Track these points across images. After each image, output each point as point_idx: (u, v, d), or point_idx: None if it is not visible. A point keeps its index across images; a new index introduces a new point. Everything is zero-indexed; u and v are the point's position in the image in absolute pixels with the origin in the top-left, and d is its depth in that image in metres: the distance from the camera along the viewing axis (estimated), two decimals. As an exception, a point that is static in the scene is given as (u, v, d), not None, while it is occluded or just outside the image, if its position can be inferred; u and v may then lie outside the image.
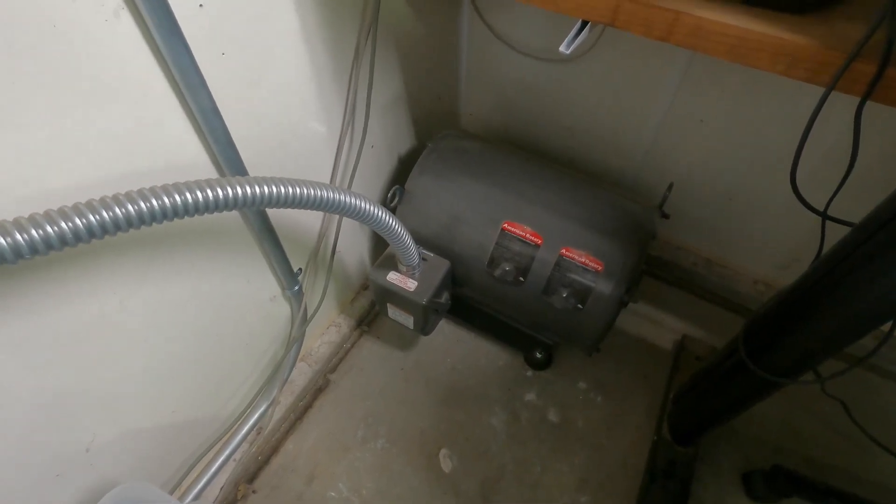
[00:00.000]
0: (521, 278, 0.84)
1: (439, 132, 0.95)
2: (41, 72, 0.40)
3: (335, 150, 0.80)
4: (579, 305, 0.81)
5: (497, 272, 0.85)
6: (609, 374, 1.04)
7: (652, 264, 1.17)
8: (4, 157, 0.41)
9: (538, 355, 1.02)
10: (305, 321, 0.91)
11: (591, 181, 0.90)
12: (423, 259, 0.87)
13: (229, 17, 0.53)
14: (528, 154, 0.95)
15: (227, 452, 0.86)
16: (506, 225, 0.84)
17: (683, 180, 0.98)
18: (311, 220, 0.82)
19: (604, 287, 0.79)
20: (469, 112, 1.16)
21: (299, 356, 0.97)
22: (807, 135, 0.52)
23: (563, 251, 0.80)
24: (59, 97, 0.42)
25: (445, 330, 1.10)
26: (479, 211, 0.86)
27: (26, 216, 0.35)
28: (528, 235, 0.82)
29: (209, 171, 0.59)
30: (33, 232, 0.35)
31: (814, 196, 0.54)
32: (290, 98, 0.67)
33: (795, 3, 0.52)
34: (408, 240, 0.76)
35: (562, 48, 0.57)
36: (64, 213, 0.36)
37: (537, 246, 0.82)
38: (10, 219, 0.34)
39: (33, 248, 0.35)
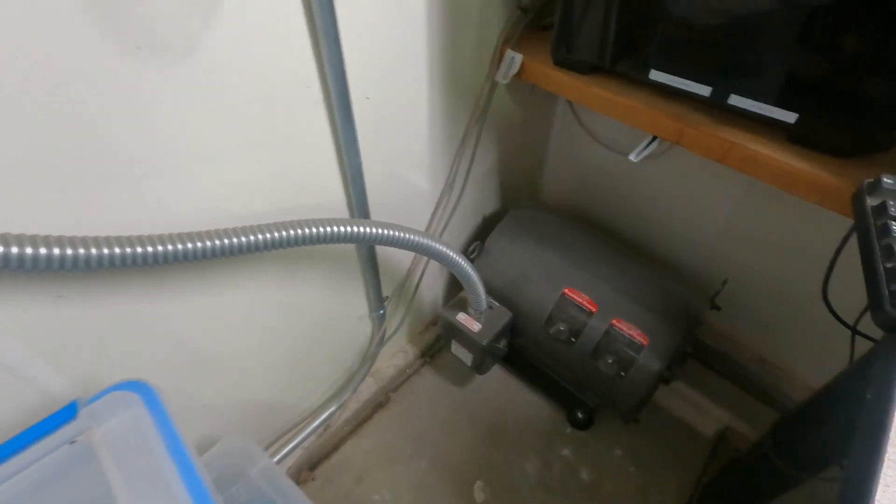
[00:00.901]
0: (573, 339, 0.95)
1: (521, 201, 1.11)
2: (273, 131, 0.61)
3: (434, 205, 0.97)
4: (622, 373, 0.90)
5: (552, 330, 0.96)
6: (645, 446, 1.09)
7: (705, 353, 1.21)
8: (235, 183, 0.61)
9: (579, 415, 1.10)
10: (381, 342, 1.07)
11: (650, 263, 1.00)
12: (490, 307, 1.01)
13: (384, 104, 0.73)
14: (596, 231, 1.08)
15: (298, 438, 1.01)
16: (566, 290, 0.96)
17: (740, 278, 1.05)
18: (405, 257, 0.99)
19: (646, 360, 0.88)
20: (550, 186, 1.31)
21: (370, 372, 1.13)
22: (835, 259, 0.62)
23: (614, 322, 0.91)
24: (274, 151, 0.63)
25: (498, 374, 1.21)
26: (545, 274, 0.99)
27: (231, 228, 0.54)
28: (584, 302, 0.94)
29: (343, 212, 0.78)
30: (234, 240, 0.53)
31: (850, 309, 0.61)
32: (411, 162, 0.86)
33: (834, 148, 0.63)
34: (480, 288, 0.90)
35: (631, 157, 0.72)
36: (252, 230, 0.55)
37: (591, 313, 0.93)
38: (219, 228, 0.53)
39: (237, 249, 0.53)
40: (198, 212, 0.60)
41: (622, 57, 0.71)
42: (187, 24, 0.48)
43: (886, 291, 0.43)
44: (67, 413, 0.45)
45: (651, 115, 0.71)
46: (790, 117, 0.61)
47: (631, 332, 0.90)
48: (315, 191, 0.72)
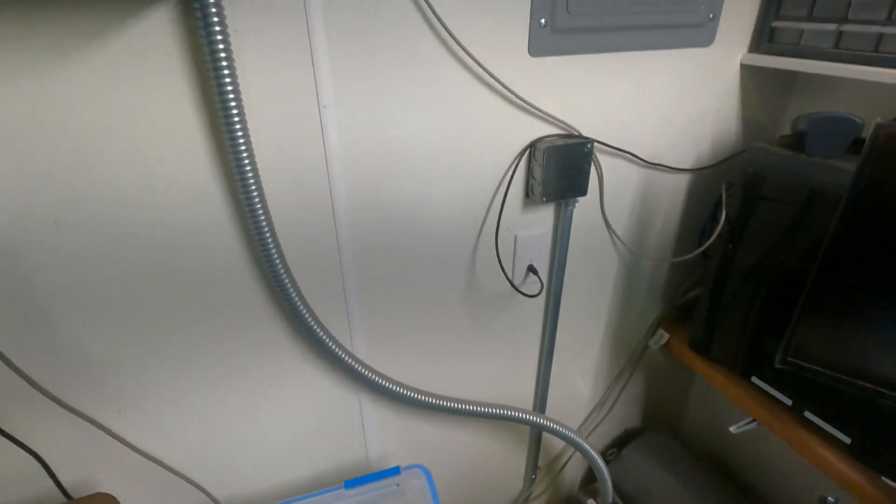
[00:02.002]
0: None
1: (660, 427, 1.44)
2: (497, 344, 1.14)
3: (588, 412, 1.38)
4: None
5: (663, 541, 1.21)
6: None
7: None
8: (471, 380, 1.15)
9: None
10: (525, 502, 1.43)
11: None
12: (614, 502, 1.31)
13: (574, 333, 1.22)
14: (717, 475, 1.33)
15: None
16: (680, 512, 1.22)
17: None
18: (561, 442, 1.39)
19: None
20: (691, 422, 1.59)
21: (509, 521, 1.47)
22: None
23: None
24: (493, 362, 1.16)
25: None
26: (663, 495, 1.27)
27: (488, 402, 1.04)
28: (693, 528, 1.19)
29: (529, 400, 1.25)
30: (492, 410, 1.03)
31: None
32: (580, 376, 1.30)
33: (887, 470, 0.88)
34: (608, 485, 1.24)
35: (732, 429, 1.05)
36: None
37: (698, 539, 1.17)
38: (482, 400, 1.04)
39: (488, 415, 1.03)
40: (465, 393, 1.13)
41: (746, 367, 1.09)
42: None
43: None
44: (395, 471, 0.95)
45: (753, 404, 1.05)
46: (845, 438, 0.90)
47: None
48: (515, 386, 1.21)
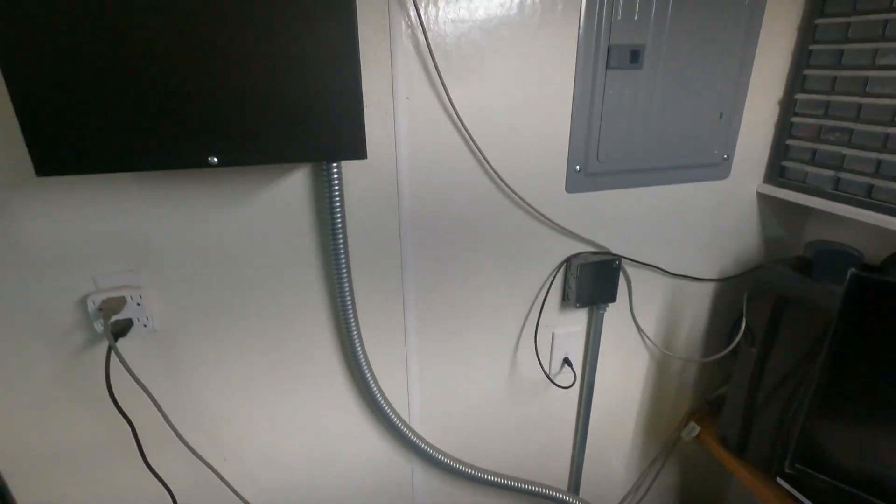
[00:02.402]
0: None
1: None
2: (530, 415, 1.27)
3: (622, 497, 1.45)
4: None
5: None
6: None
7: None
8: (511, 452, 1.28)
9: None
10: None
11: None
12: (648, 593, 1.35)
13: (609, 418, 1.33)
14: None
15: None
16: None
17: None
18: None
19: None
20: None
21: None
22: None
23: None
24: (528, 433, 1.29)
25: None
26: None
27: (523, 479, 1.17)
28: None
29: (564, 479, 1.35)
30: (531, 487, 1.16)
31: None
32: (614, 457, 1.39)
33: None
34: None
35: (757, 527, 1.11)
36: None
37: None
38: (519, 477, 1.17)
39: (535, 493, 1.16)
40: (506, 466, 1.26)
41: (773, 467, 1.16)
42: (532, 390, 1.21)
43: None
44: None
45: (776, 504, 1.11)
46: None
47: None
48: (552, 464, 1.32)
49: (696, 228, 1.15)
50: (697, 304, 1.24)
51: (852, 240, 1.08)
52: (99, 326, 0.83)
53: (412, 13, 0.80)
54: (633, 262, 1.13)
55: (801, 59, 1.04)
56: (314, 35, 0.58)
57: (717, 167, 1.10)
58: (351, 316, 0.92)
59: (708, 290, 1.23)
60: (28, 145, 0.54)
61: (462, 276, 1.02)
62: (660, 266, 1.15)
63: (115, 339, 0.80)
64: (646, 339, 1.23)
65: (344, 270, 0.88)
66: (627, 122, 0.98)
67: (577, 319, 1.15)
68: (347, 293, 0.90)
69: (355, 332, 0.94)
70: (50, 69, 0.52)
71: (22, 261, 0.78)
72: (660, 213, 1.11)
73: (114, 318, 0.82)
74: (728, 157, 1.10)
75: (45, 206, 0.76)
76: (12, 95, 0.52)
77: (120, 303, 0.82)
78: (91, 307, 0.82)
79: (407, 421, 1.10)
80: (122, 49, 0.53)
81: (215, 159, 0.60)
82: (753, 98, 1.06)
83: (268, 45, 0.57)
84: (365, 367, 0.97)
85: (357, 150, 0.65)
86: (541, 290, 1.09)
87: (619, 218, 1.08)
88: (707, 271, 1.21)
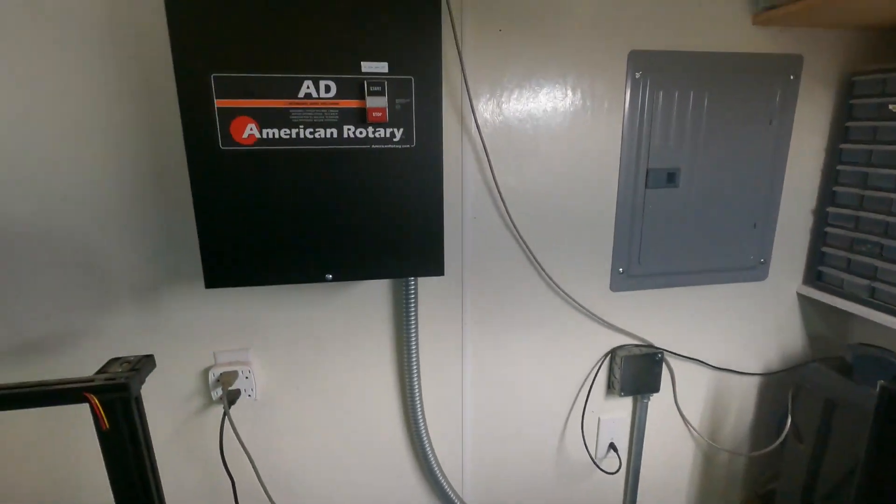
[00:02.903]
0: None
1: None
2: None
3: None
4: None
5: None
6: None
7: None
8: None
9: None
10: None
11: None
12: None
13: (663, 485, 1.35)
14: None
15: None
16: None
17: None
18: None
19: None
20: None
21: None
22: None
23: None
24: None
25: None
26: None
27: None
28: None
29: None
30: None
31: None
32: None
33: None
34: None
35: None
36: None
37: None
38: None
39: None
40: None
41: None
42: (579, 472, 1.28)
43: None
44: None
45: None
46: None
47: None
48: None
49: (737, 325, 1.23)
50: (743, 398, 1.29)
51: (894, 342, 1.12)
52: (215, 395, 1.01)
53: (483, 156, 0.99)
54: (677, 356, 1.21)
55: (830, 176, 1.14)
56: (410, 188, 0.77)
57: (755, 270, 1.19)
58: (417, 396, 1.06)
59: (753, 383, 1.28)
60: (204, 267, 0.75)
61: (514, 359, 1.14)
62: (703, 360, 1.22)
63: (229, 407, 0.98)
64: (691, 429, 1.28)
65: (414, 357, 1.03)
66: (666, 230, 1.11)
67: (623, 406, 1.23)
68: (415, 372, 1.04)
69: (419, 411, 1.07)
70: (230, 217, 0.74)
71: (163, 338, 0.98)
72: (701, 311, 1.20)
73: (228, 389, 1.00)
74: (765, 260, 1.19)
75: (187, 297, 0.97)
76: (200, 231, 0.74)
77: (233, 376, 1.01)
78: (211, 378, 1.00)
79: (460, 495, 1.19)
80: (286, 207, 0.75)
81: (330, 276, 0.78)
82: (787, 207, 1.16)
83: (376, 199, 0.77)
84: (426, 442, 1.10)
85: (437, 268, 0.82)
86: (587, 377, 1.19)
87: (662, 314, 1.18)
88: (751, 366, 1.26)
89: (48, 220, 0.88)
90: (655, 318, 1.18)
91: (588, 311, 1.14)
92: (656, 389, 1.18)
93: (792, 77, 1.08)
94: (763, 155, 1.11)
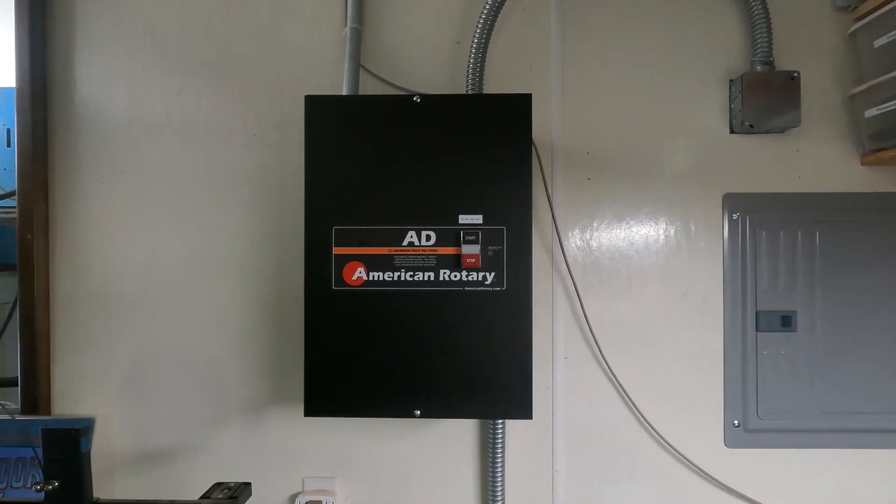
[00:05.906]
0: None
1: None
2: None
3: None
4: None
5: None
6: None
7: None
8: None
9: None
10: None
11: None
12: None
13: None
14: None
15: None
16: None
17: None
18: None
19: None
20: None
21: None
22: None
23: None
24: None
25: None
26: None
27: None
28: None
29: None
30: None
31: None
32: None
33: None
34: None
35: None
36: None
37: None
38: None
39: None
40: None
41: None
42: None
43: None
44: None
45: None
46: None
47: None
48: None
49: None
50: None
51: None
52: (300, 523, 1.01)
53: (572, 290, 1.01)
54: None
55: None
56: (500, 329, 0.80)
57: (914, 433, 0.99)
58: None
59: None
60: (306, 396, 0.81)
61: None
62: (855, 547, 0.99)
63: (312, 537, 0.96)
64: None
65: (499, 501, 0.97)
66: (788, 379, 0.99)
67: None
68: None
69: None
70: (334, 351, 0.81)
71: (261, 460, 1.03)
72: (841, 483, 1.00)
73: (313, 518, 1.00)
74: (929, 422, 0.99)
75: (286, 420, 1.03)
76: (307, 362, 0.82)
77: (318, 505, 1.01)
78: (298, 505, 1.01)
79: None
80: (384, 343, 0.81)
81: (418, 412, 0.80)
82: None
83: (467, 339, 0.81)
84: None
85: (525, 411, 0.80)
86: (705, 553, 1.01)
87: (789, 480, 1.00)
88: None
89: (189, 342, 1.03)
90: (779, 482, 1.00)
91: (701, 470, 1.00)
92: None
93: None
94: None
